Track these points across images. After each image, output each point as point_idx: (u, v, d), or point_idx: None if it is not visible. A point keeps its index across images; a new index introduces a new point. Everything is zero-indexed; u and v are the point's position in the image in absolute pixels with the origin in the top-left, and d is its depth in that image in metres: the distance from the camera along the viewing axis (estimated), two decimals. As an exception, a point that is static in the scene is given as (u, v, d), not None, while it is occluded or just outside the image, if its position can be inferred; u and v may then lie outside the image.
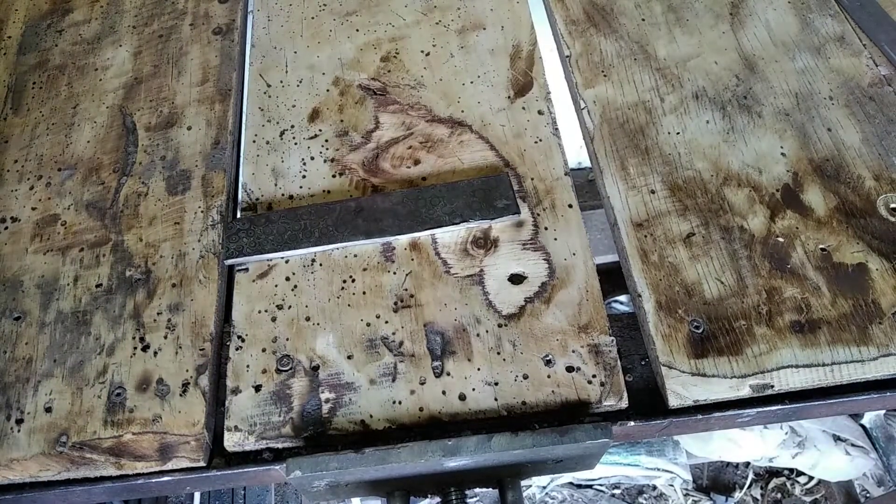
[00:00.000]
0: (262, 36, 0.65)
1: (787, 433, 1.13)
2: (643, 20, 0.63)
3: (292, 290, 0.50)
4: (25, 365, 0.48)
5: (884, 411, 1.06)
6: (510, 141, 0.56)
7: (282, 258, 0.51)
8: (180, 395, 0.46)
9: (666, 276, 0.48)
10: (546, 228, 0.51)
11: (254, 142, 0.58)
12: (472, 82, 0.60)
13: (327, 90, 0.61)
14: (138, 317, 0.49)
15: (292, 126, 0.59)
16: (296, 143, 0.57)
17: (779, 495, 1.37)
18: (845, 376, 0.44)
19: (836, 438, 1.11)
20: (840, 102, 0.56)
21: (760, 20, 0.62)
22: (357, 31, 0.64)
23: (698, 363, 0.45)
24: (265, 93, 0.61)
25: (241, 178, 0.56)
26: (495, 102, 0.58)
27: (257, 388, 0.46)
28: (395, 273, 0.50)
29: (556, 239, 0.51)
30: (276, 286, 0.50)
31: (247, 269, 0.51)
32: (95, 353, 0.48)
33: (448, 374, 0.46)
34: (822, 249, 0.49)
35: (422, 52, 0.62)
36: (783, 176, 0.53)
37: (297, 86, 0.61)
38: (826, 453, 1.11)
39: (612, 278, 0.59)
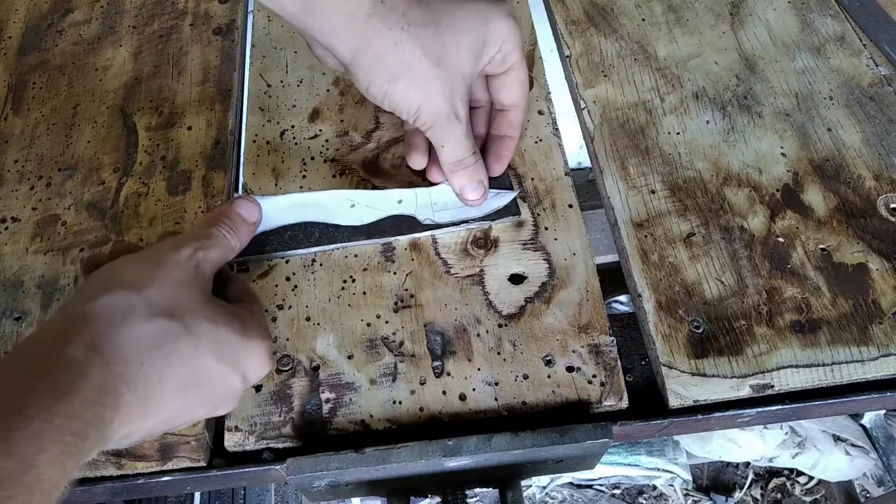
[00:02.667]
0: (262, 36, 0.65)
1: (787, 433, 1.13)
2: (643, 20, 0.63)
3: (292, 290, 0.50)
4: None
5: (884, 411, 1.06)
6: (510, 141, 0.56)
7: (282, 258, 0.51)
8: (180, 395, 0.45)
9: (666, 276, 0.49)
10: (546, 228, 0.51)
11: (254, 142, 0.58)
12: (472, 82, 0.60)
13: (327, 90, 0.61)
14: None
15: (292, 126, 0.59)
16: (296, 144, 0.57)
17: (779, 495, 1.37)
18: (845, 376, 0.44)
19: (836, 438, 1.11)
20: (840, 102, 0.56)
21: (760, 20, 0.62)
22: (357, 31, 0.64)
23: (698, 363, 0.45)
24: (265, 93, 0.61)
25: (241, 179, 0.56)
26: (495, 102, 0.58)
27: (258, 389, 0.46)
28: (395, 273, 0.50)
29: (556, 239, 0.51)
30: (276, 286, 0.50)
31: (247, 269, 0.51)
32: (96, 353, 0.48)
33: (448, 374, 0.46)
34: (823, 249, 0.49)
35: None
36: (783, 176, 0.53)
37: (298, 86, 0.61)
38: (826, 453, 1.11)
39: (612, 278, 0.59)
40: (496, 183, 0.52)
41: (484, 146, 0.52)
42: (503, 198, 0.51)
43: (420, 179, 0.55)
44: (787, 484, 1.37)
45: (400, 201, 0.51)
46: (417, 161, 0.52)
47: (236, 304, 0.40)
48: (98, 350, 0.31)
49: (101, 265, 0.38)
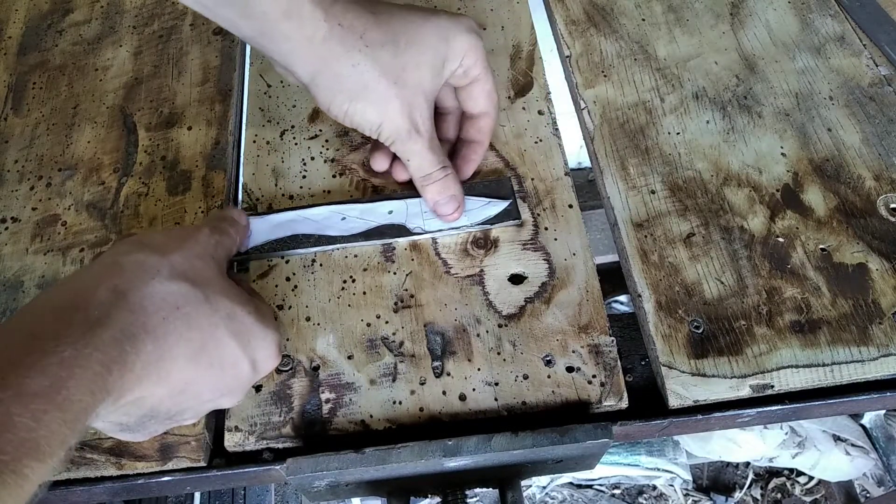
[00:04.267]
0: (262, 36, 0.65)
1: (787, 433, 1.13)
2: (643, 20, 0.63)
3: (292, 290, 0.50)
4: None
5: (884, 411, 1.06)
6: (510, 141, 0.56)
7: (282, 258, 0.51)
8: (180, 396, 0.45)
9: (666, 277, 0.49)
10: (546, 228, 0.51)
11: (254, 142, 0.58)
12: (472, 82, 0.60)
13: (327, 90, 0.61)
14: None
15: (293, 126, 0.59)
16: (296, 144, 0.57)
17: (779, 495, 1.37)
18: (845, 376, 0.44)
19: (836, 438, 1.11)
20: (840, 102, 0.56)
21: (760, 20, 0.62)
22: (357, 31, 0.64)
23: (698, 363, 0.45)
24: (265, 93, 0.61)
25: (241, 179, 0.56)
26: (495, 102, 0.58)
27: (258, 389, 0.46)
28: (395, 273, 0.50)
29: (556, 239, 0.51)
30: (276, 286, 0.50)
31: (247, 269, 0.51)
32: (96, 353, 0.48)
33: (448, 375, 0.46)
34: (822, 249, 0.49)
35: (422, 52, 0.62)
36: (783, 176, 0.53)
37: (298, 86, 0.61)
38: (826, 453, 1.11)
39: (612, 278, 0.59)
40: (495, 189, 0.52)
41: (454, 150, 0.53)
42: (495, 207, 0.51)
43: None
44: (787, 484, 1.37)
45: (390, 212, 0.52)
46: (379, 164, 0.53)
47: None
48: (124, 297, 0.34)
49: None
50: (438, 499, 0.49)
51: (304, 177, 0.56)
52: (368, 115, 0.45)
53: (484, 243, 0.51)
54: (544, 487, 1.39)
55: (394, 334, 0.48)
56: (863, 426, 1.09)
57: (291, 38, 0.42)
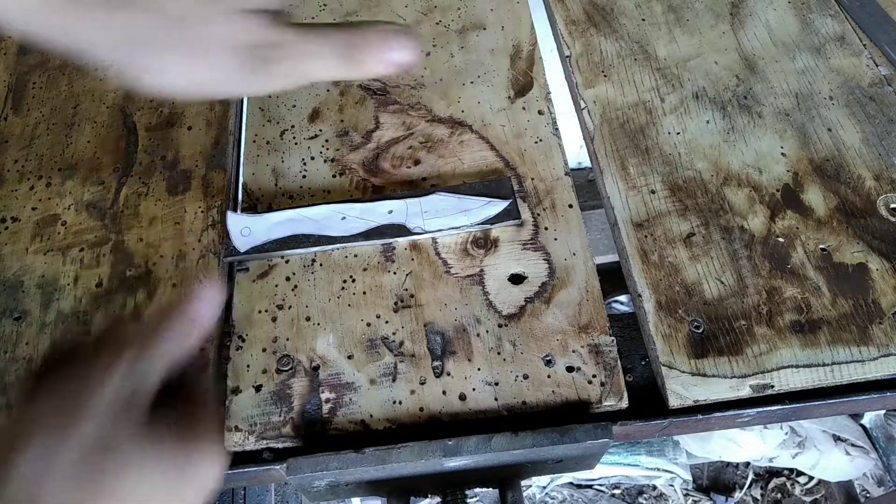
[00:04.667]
0: (262, 36, 0.65)
1: (787, 433, 1.13)
2: (643, 20, 0.63)
3: (292, 290, 0.50)
4: (26, 365, 0.48)
5: (884, 411, 1.06)
6: (510, 141, 0.56)
7: (282, 258, 0.51)
8: (180, 395, 0.45)
9: (666, 276, 0.49)
10: (546, 228, 0.51)
11: (254, 142, 0.58)
12: (472, 82, 0.60)
13: (327, 90, 0.61)
14: (139, 317, 0.49)
15: (292, 126, 0.59)
16: (296, 143, 0.57)
17: (779, 495, 1.37)
18: (845, 376, 0.44)
19: (836, 438, 1.11)
20: (840, 102, 0.56)
21: (760, 20, 0.62)
22: (357, 31, 0.64)
23: (698, 363, 0.45)
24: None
25: (241, 178, 0.56)
26: (495, 102, 0.58)
27: (258, 389, 0.46)
28: (395, 273, 0.50)
29: (556, 239, 0.51)
30: (276, 286, 0.50)
31: (247, 269, 0.51)
32: (96, 353, 0.48)
33: (448, 374, 0.46)
34: (823, 249, 0.49)
35: (422, 51, 0.62)
36: (783, 176, 0.53)
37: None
38: (826, 453, 1.11)
39: (612, 278, 0.59)
40: (495, 189, 0.52)
41: None
42: (495, 206, 0.51)
43: (420, 179, 0.55)
44: (787, 484, 1.37)
45: (390, 211, 0.52)
46: None
47: (183, 404, 0.36)
48: None
49: (39, 378, 0.34)
50: (438, 499, 0.49)
51: (304, 176, 0.56)
52: (203, 91, 0.33)
53: (484, 243, 0.51)
54: (544, 487, 1.39)
55: (394, 334, 0.48)
56: (863, 426, 1.09)
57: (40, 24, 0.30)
